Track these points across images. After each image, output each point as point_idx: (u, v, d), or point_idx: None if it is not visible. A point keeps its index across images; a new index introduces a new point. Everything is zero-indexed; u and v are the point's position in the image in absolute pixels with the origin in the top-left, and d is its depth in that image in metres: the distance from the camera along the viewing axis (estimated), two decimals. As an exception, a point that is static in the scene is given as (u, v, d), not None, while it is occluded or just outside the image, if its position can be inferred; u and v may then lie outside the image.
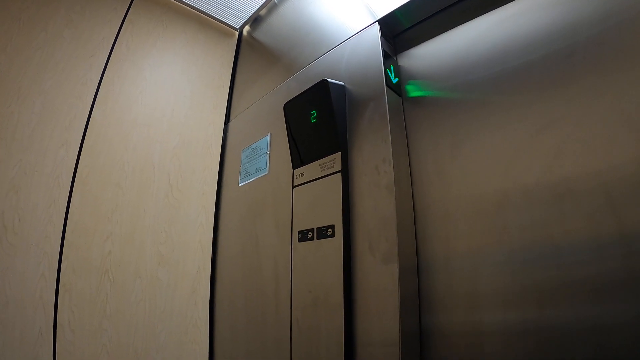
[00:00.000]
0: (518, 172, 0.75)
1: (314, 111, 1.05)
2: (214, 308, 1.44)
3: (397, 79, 1.02)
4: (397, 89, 1.01)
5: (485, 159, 0.81)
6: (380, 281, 0.82)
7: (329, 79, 1.03)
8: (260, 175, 1.31)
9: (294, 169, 1.11)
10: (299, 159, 1.09)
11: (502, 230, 0.75)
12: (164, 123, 1.51)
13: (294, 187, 1.09)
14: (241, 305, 1.26)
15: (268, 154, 1.30)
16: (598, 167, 0.65)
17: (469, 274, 0.78)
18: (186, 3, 1.71)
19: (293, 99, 1.14)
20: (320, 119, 1.03)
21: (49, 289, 1.13)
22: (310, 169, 1.04)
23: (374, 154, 0.91)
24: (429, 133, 0.94)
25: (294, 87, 1.27)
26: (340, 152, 0.97)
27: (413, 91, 1.01)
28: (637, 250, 0.58)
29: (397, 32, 1.09)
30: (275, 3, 1.65)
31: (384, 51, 1.00)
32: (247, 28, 1.88)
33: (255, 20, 1.80)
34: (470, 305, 0.77)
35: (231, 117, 1.72)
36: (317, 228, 0.96)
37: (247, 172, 1.39)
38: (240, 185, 1.44)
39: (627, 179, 0.61)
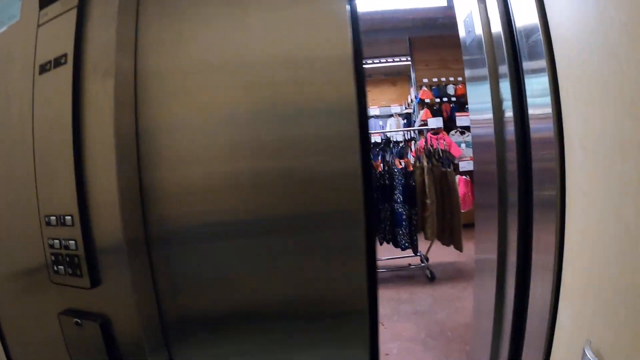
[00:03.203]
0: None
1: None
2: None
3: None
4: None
5: None
6: (104, 105, 0.92)
7: None
8: (12, 23, 1.26)
9: (40, 10, 1.11)
10: (44, -2, 1.10)
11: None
12: None
13: (38, 26, 1.10)
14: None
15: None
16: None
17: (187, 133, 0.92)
18: None
19: None
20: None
21: None
22: (55, 8, 1.07)
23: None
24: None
25: None
26: (79, -12, 1.02)
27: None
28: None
29: None
30: None
31: None
32: None
33: None
34: (188, 161, 0.91)
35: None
36: (55, 58, 1.02)
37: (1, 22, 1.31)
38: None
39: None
